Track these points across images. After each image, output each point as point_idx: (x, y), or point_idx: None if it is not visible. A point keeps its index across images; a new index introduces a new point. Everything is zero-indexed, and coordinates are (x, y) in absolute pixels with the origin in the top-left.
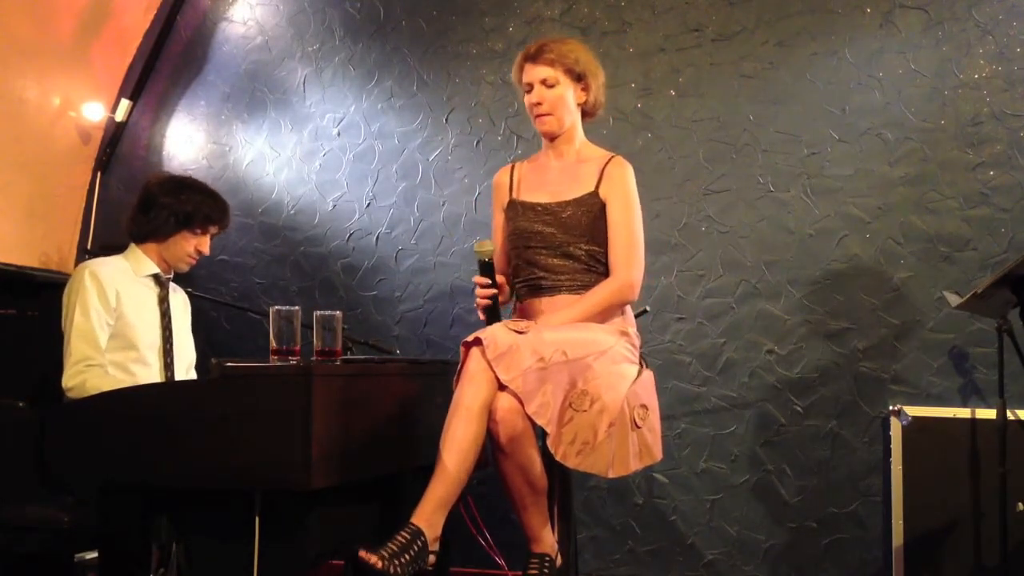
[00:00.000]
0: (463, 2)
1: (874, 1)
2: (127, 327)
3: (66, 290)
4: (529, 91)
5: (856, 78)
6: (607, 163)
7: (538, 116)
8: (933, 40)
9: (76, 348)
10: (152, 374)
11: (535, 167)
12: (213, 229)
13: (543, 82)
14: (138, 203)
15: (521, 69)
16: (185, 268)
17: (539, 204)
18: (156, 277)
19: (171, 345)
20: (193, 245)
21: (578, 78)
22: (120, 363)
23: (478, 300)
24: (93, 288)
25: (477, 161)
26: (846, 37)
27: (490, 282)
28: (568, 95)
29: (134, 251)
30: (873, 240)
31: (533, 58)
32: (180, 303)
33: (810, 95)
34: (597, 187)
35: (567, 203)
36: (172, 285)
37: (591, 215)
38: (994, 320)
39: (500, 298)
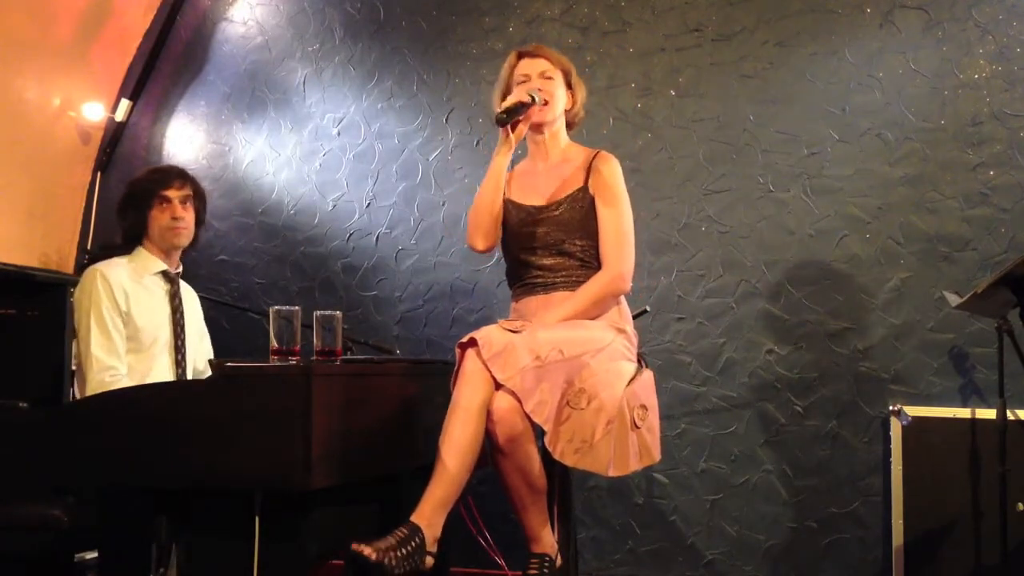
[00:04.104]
0: (463, 2)
1: (874, 1)
2: (136, 329)
3: (77, 293)
4: (524, 81)
5: (856, 78)
6: (593, 158)
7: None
8: (933, 40)
9: (97, 358)
10: (163, 372)
11: (524, 172)
12: (171, 193)
13: (541, 74)
14: (116, 215)
15: (515, 65)
16: (182, 240)
17: (532, 206)
18: (165, 273)
19: (182, 341)
20: (166, 216)
21: (568, 84)
22: (132, 365)
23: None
24: (104, 291)
25: (477, 161)
26: (846, 37)
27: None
28: (559, 93)
29: (139, 251)
30: (873, 240)
31: (531, 54)
32: (191, 300)
33: (810, 95)
34: (586, 182)
35: (560, 201)
36: (185, 286)
37: (583, 211)
38: (994, 320)
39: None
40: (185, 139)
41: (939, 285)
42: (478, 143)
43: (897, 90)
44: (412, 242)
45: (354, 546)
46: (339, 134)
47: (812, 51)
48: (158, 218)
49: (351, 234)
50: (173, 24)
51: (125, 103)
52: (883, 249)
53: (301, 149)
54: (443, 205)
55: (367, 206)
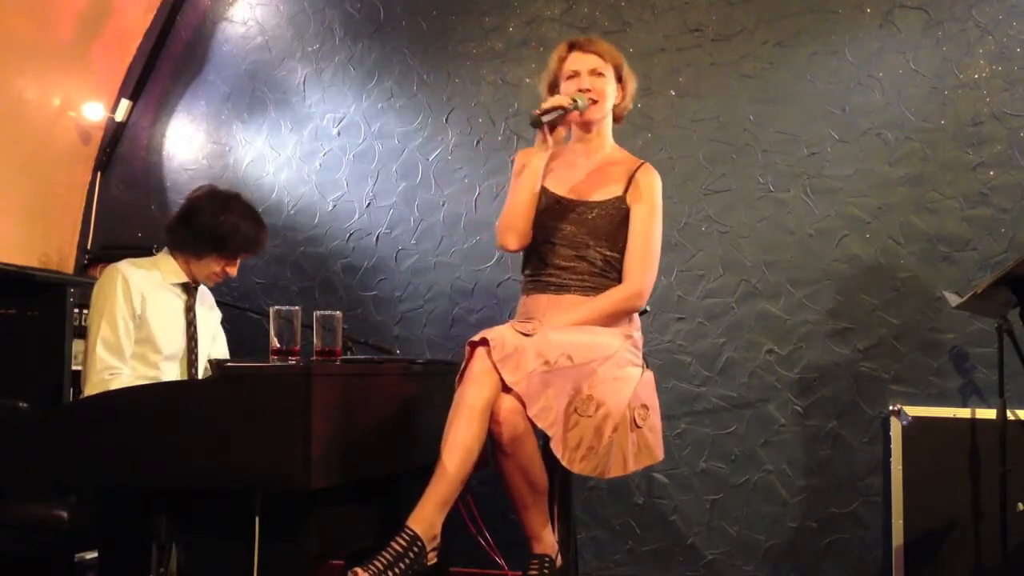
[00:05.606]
0: (463, 2)
1: (874, 1)
2: (150, 334)
3: (95, 290)
4: (573, 77)
5: (856, 78)
6: (637, 169)
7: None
8: (933, 40)
9: (101, 358)
10: (173, 378)
11: (563, 160)
12: (243, 258)
13: (592, 71)
14: (180, 214)
15: (565, 58)
16: (210, 285)
17: (565, 198)
18: (185, 286)
19: (195, 356)
20: (221, 267)
21: (619, 78)
22: (142, 355)
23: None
24: (122, 294)
25: (477, 161)
26: (846, 37)
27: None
28: (610, 90)
29: (166, 258)
30: (873, 240)
31: (583, 47)
32: (208, 309)
33: (810, 95)
34: (625, 192)
35: (594, 204)
36: (202, 290)
37: (615, 220)
38: (994, 320)
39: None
40: (185, 139)
41: (939, 285)
42: (478, 143)
43: (897, 90)
44: (412, 242)
45: (349, 573)
46: (339, 134)
47: (812, 51)
48: (216, 262)
49: (351, 234)
50: (173, 24)
51: (125, 103)
52: (883, 249)
53: (301, 149)
54: (443, 205)
55: (367, 206)
